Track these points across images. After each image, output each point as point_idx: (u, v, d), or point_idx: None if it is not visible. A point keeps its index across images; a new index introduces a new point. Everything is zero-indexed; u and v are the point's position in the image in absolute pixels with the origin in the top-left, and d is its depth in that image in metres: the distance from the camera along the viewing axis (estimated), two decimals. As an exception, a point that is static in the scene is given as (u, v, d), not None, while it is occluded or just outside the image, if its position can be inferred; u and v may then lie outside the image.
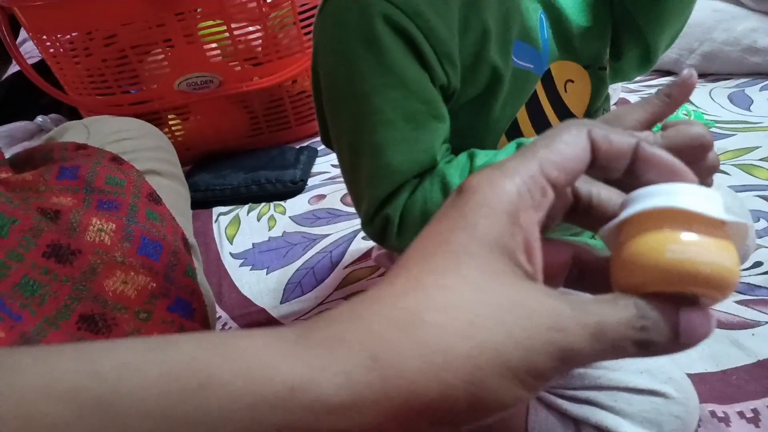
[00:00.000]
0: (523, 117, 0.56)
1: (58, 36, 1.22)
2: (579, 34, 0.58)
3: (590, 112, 0.62)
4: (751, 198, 0.91)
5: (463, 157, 0.52)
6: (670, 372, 0.54)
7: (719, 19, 1.29)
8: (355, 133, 0.51)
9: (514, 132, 0.57)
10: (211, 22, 1.23)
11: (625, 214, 0.22)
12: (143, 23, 1.17)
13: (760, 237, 0.82)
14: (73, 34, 1.25)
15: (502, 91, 0.53)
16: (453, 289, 0.20)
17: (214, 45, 1.25)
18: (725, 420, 0.61)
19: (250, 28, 1.26)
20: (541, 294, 0.21)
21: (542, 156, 0.23)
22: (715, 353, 0.67)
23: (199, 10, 1.21)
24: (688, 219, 0.21)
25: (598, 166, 0.24)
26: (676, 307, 0.21)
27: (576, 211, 0.26)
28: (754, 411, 0.61)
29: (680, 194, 0.21)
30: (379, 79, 0.48)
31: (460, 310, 0.20)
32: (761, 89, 1.24)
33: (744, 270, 0.77)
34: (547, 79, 0.57)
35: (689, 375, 0.57)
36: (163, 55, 1.24)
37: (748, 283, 0.75)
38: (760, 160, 1.01)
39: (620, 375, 0.54)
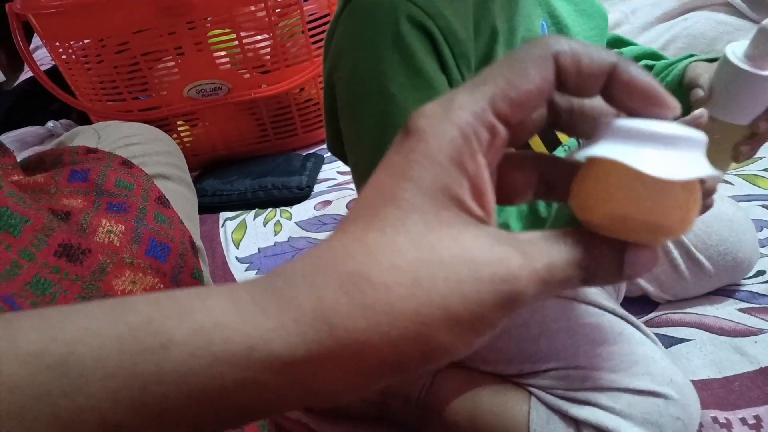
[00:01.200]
0: None
1: (71, 43, 1.24)
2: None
3: None
4: (754, 207, 0.91)
5: None
6: (671, 374, 0.55)
7: (723, 31, 1.30)
8: (379, 132, 0.51)
9: None
10: (220, 31, 1.25)
11: (587, 153, 0.21)
12: (154, 31, 1.18)
13: (764, 246, 0.83)
14: (86, 42, 1.27)
15: None
16: (398, 247, 0.20)
17: (223, 53, 1.26)
18: (727, 426, 0.61)
19: (259, 37, 1.27)
20: (489, 243, 0.20)
21: (493, 90, 0.21)
22: (717, 360, 0.68)
23: (209, 19, 1.22)
24: (641, 173, 0.20)
25: (567, 89, 0.22)
26: (623, 246, 0.21)
27: (558, 124, 0.25)
28: (756, 417, 0.61)
29: (646, 143, 0.20)
30: (407, 79, 0.49)
31: (405, 268, 0.20)
32: (766, 100, 1.24)
33: (747, 279, 0.78)
34: None
35: (692, 382, 0.58)
36: (173, 63, 1.26)
37: (751, 291, 0.76)
38: (764, 170, 1.01)
39: (621, 377, 0.54)
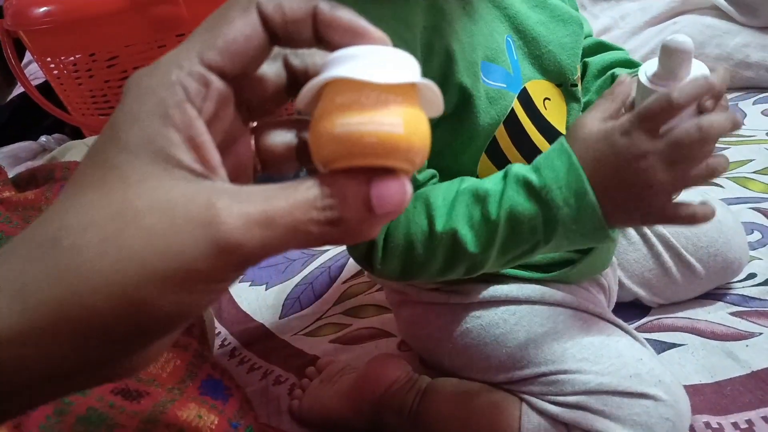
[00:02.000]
0: (502, 135, 0.56)
1: (62, 58, 1.24)
2: (547, 54, 0.59)
3: None
4: (745, 210, 0.91)
5: (453, 182, 0.53)
6: (659, 375, 0.55)
7: (711, 35, 1.31)
8: None
9: (494, 150, 0.57)
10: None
11: (305, 90, 0.21)
12: (144, 45, 1.19)
13: (754, 249, 0.83)
14: (77, 56, 1.27)
15: (474, 109, 0.54)
16: (90, 206, 0.19)
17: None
18: (719, 431, 0.61)
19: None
20: (194, 191, 0.20)
21: (202, 41, 0.21)
22: (709, 365, 0.68)
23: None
24: (360, 87, 0.20)
25: (281, 39, 0.22)
26: (368, 179, 0.20)
27: (296, 88, 0.24)
28: (749, 422, 0.61)
29: (353, 60, 0.20)
30: None
31: (95, 227, 0.19)
32: (754, 103, 1.25)
33: (738, 281, 0.78)
34: (525, 98, 0.57)
35: (684, 387, 0.58)
36: (164, 76, 1.26)
37: (742, 295, 0.76)
38: (754, 173, 1.02)
39: (609, 379, 0.54)
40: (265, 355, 0.83)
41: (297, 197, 0.20)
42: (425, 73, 0.21)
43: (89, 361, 0.20)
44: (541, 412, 0.57)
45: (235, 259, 0.19)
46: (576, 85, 0.61)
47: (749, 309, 0.74)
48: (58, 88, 1.30)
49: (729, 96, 1.30)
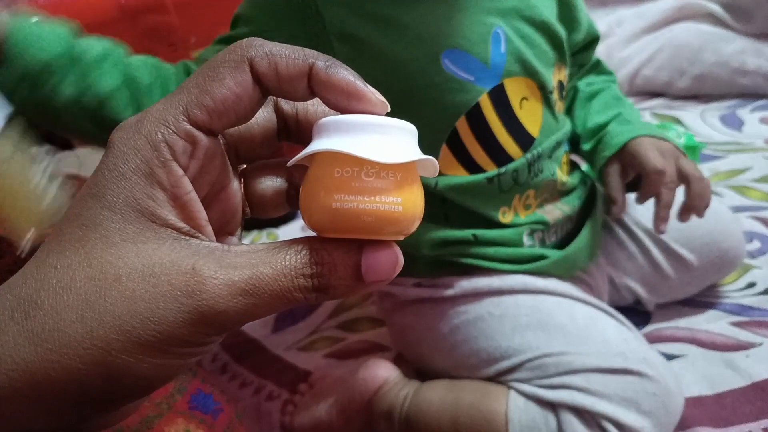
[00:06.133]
0: (464, 128, 0.56)
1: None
2: (539, 53, 0.59)
3: (550, 141, 0.62)
4: (744, 219, 0.90)
5: None
6: (644, 353, 0.56)
7: (707, 42, 1.30)
8: None
9: (455, 143, 0.57)
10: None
11: (301, 155, 0.21)
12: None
13: (754, 257, 0.82)
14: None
15: (425, 90, 0.54)
16: (69, 268, 0.19)
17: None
18: (721, 444, 0.60)
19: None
20: (179, 255, 0.19)
21: (189, 99, 0.20)
22: (709, 376, 0.67)
23: (193, 40, 1.22)
24: (360, 163, 0.19)
25: (273, 93, 0.21)
26: (359, 249, 0.20)
27: (287, 132, 0.24)
28: (750, 434, 0.60)
29: (353, 132, 0.20)
30: None
31: (76, 289, 0.18)
32: (752, 110, 1.24)
33: (738, 291, 0.77)
34: (499, 94, 0.56)
35: (684, 398, 0.57)
36: (156, 86, 1.25)
37: (742, 305, 0.75)
38: (753, 181, 1.01)
39: (593, 359, 0.55)
40: (258, 369, 0.81)
41: (284, 264, 0.20)
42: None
43: (63, 420, 0.19)
44: (527, 395, 0.57)
45: (218, 325, 0.19)
46: (552, 92, 0.61)
47: (749, 319, 0.73)
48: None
49: (726, 103, 1.30)
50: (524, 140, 0.59)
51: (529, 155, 0.59)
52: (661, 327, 0.74)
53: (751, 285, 0.78)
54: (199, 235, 0.21)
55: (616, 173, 0.65)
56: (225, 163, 0.23)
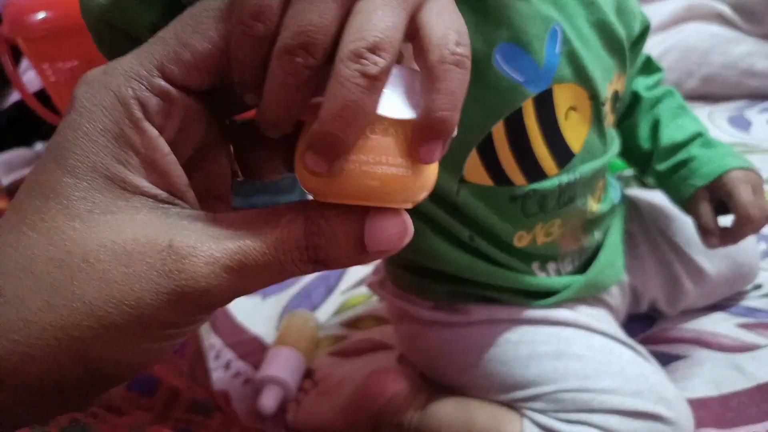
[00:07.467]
0: (499, 134, 0.49)
1: (59, 65, 1.23)
2: (595, 57, 0.51)
3: (590, 166, 0.54)
4: (750, 220, 0.89)
5: None
6: (662, 391, 0.54)
7: (715, 43, 1.30)
8: None
9: (486, 148, 0.50)
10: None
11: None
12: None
13: (761, 259, 0.81)
14: (74, 63, 1.26)
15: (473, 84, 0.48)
16: (31, 248, 0.16)
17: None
18: (726, 446, 0.59)
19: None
20: (155, 228, 0.17)
21: (165, 51, 0.18)
22: (715, 377, 0.66)
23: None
24: None
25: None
26: (362, 216, 0.18)
27: None
28: (755, 436, 0.59)
29: None
30: None
31: (39, 273, 0.16)
32: (760, 112, 1.23)
33: (744, 293, 0.76)
34: (544, 101, 0.49)
35: (690, 400, 0.57)
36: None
37: (748, 306, 0.74)
38: (760, 182, 1.00)
39: (611, 398, 0.54)
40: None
41: (277, 235, 0.17)
42: None
43: (42, 411, 0.18)
44: (542, 427, 0.55)
45: (202, 305, 0.17)
46: (604, 105, 0.53)
47: (756, 321, 0.72)
48: (54, 95, 1.29)
49: (734, 105, 1.29)
50: (563, 155, 0.52)
51: (564, 177, 0.52)
52: (667, 328, 0.74)
53: (758, 287, 0.77)
54: (180, 202, 0.18)
55: (708, 204, 0.62)
56: (210, 120, 0.21)
